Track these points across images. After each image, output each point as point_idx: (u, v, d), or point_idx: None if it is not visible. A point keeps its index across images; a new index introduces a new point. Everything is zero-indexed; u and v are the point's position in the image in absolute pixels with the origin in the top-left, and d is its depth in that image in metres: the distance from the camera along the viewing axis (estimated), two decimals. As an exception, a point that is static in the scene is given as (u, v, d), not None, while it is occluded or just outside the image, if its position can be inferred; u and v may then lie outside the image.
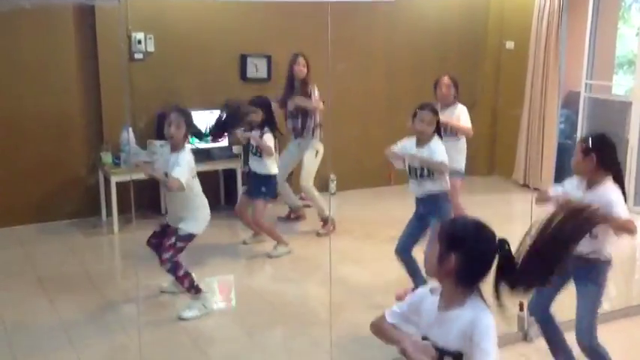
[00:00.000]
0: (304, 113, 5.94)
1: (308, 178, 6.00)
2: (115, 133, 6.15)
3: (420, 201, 4.45)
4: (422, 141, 4.38)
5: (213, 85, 6.41)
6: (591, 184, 3.33)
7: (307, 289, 4.96)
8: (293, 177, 6.39)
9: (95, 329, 4.21)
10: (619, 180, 3.35)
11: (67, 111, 6.15)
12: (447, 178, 4.44)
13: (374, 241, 5.59)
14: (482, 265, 2.11)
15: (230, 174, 6.62)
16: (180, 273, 4.33)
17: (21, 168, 6.03)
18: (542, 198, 3.53)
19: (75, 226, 6.16)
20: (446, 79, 5.54)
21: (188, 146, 4.37)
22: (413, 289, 4.54)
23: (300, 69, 5.88)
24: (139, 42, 6.25)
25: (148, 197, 6.38)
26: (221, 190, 6.83)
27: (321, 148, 6.03)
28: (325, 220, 6.09)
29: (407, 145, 4.47)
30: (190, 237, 4.36)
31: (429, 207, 4.39)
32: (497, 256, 2.10)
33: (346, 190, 6.64)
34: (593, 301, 3.38)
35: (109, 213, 6.08)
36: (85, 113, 6.26)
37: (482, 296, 2.14)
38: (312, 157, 6.01)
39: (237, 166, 6.47)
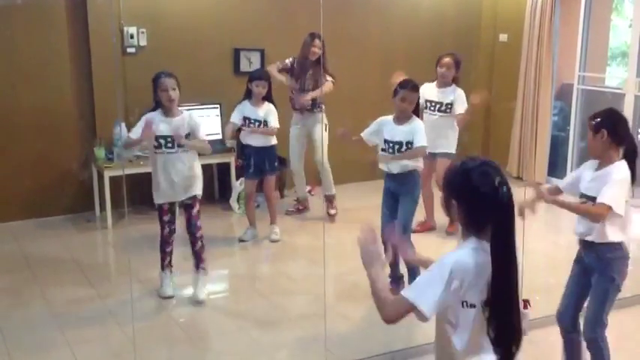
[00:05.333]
0: (313, 89, 6.01)
1: (322, 152, 6.12)
2: (107, 127, 6.13)
3: (393, 177, 4.44)
4: (401, 119, 4.41)
5: (207, 79, 6.38)
6: (602, 163, 3.25)
7: (302, 282, 4.96)
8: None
9: (89, 324, 4.20)
10: (633, 151, 3.26)
11: (59, 106, 6.12)
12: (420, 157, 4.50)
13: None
14: (481, 210, 2.07)
15: (224, 168, 6.61)
16: (203, 241, 4.54)
17: (14, 163, 6.00)
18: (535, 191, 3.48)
19: (69, 221, 6.15)
20: (447, 59, 5.56)
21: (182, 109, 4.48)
22: (390, 283, 4.55)
23: (314, 50, 5.88)
24: (132, 36, 6.23)
25: (140, 192, 6.33)
26: (215, 185, 6.82)
27: (326, 121, 6.13)
28: (330, 200, 6.28)
29: (385, 122, 4.46)
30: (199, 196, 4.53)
31: (401, 184, 4.41)
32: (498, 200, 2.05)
33: (340, 183, 6.62)
34: (599, 293, 3.32)
35: (103, 208, 6.06)
36: (77, 108, 6.23)
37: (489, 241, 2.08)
38: (322, 131, 6.11)
39: (230, 159, 6.45)
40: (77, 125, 6.25)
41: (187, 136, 4.39)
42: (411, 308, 2.05)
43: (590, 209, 3.18)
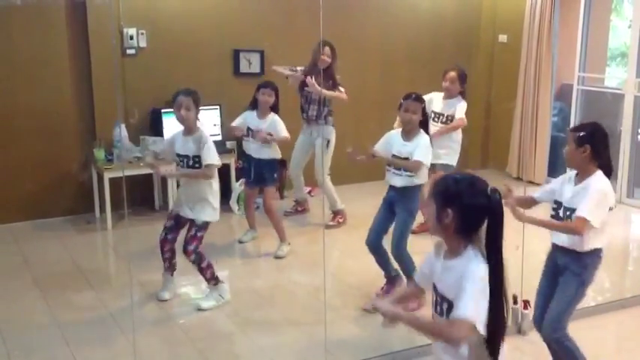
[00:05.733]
0: (319, 101, 5.89)
1: (322, 171, 5.96)
2: (107, 129, 6.13)
3: (395, 191, 4.41)
4: (408, 132, 4.35)
5: (206, 80, 6.38)
6: (581, 176, 3.28)
7: (303, 283, 4.95)
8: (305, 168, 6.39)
9: (89, 326, 4.20)
10: (608, 167, 3.30)
11: (59, 107, 6.12)
12: (426, 172, 4.41)
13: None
14: (477, 216, 2.22)
15: (223, 169, 6.58)
16: (204, 264, 4.40)
17: (14, 165, 6.00)
18: (507, 196, 3.44)
19: (69, 223, 6.14)
20: (452, 73, 5.56)
21: (203, 128, 4.39)
22: (385, 283, 4.56)
23: (324, 59, 5.76)
24: (131, 37, 6.23)
25: (141, 193, 6.37)
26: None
27: (333, 136, 6.00)
28: (336, 213, 6.16)
29: (393, 137, 4.43)
30: (208, 224, 4.41)
31: (400, 196, 4.37)
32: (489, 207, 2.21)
33: (340, 184, 6.63)
34: (568, 294, 3.31)
35: (103, 209, 6.06)
36: (77, 109, 6.23)
37: (481, 246, 2.24)
38: (324, 148, 5.96)
39: (230, 161, 6.45)
40: (77, 126, 6.25)
41: (198, 158, 4.30)
42: (472, 327, 2.13)
43: (569, 225, 3.20)
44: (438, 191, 2.27)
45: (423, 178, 4.37)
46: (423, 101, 4.39)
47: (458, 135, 5.65)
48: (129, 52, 6.27)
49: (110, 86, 5.97)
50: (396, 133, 4.45)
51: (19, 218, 6.08)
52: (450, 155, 5.59)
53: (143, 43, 6.31)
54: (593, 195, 3.17)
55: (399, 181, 4.35)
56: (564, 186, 3.34)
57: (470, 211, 2.21)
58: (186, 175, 4.39)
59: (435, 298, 2.34)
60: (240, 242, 5.69)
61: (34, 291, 4.69)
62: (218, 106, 6.43)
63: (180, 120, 4.31)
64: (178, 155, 4.38)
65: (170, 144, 4.48)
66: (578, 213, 3.15)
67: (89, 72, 6.17)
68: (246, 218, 5.78)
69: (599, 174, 3.24)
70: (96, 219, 6.26)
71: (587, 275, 3.31)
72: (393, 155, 4.36)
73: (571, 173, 3.36)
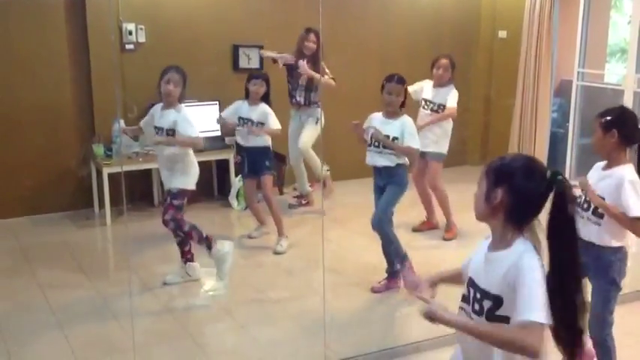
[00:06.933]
0: (309, 87, 5.99)
1: (307, 141, 6.07)
2: (106, 124, 6.12)
3: (380, 172, 4.46)
4: (390, 113, 4.41)
5: (205, 75, 6.37)
6: (611, 164, 3.16)
7: (301, 278, 4.95)
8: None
9: (88, 321, 4.19)
10: None
11: (58, 103, 6.12)
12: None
13: (367, 230, 5.61)
14: (531, 201, 1.99)
15: (223, 164, 6.60)
16: (186, 228, 4.44)
17: (13, 160, 6.00)
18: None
19: (68, 218, 6.14)
20: (443, 61, 5.57)
21: (182, 104, 4.49)
22: (387, 277, 4.56)
23: (310, 45, 5.87)
24: (130, 33, 6.22)
25: (139, 189, 6.37)
26: (214, 181, 6.81)
27: (322, 116, 6.01)
28: (317, 181, 6.30)
29: (374, 118, 4.49)
30: (184, 193, 4.45)
31: (389, 177, 4.43)
32: (550, 195, 1.97)
33: (339, 180, 6.63)
34: (603, 296, 3.26)
35: (102, 205, 6.05)
36: (76, 105, 6.23)
37: (533, 239, 2.02)
38: (312, 124, 6.09)
39: (229, 156, 6.44)
40: (76, 122, 6.25)
41: (172, 131, 4.39)
42: (543, 328, 1.89)
43: (624, 218, 3.07)
44: (491, 168, 2.05)
45: (404, 158, 4.43)
46: (405, 82, 4.46)
47: (448, 123, 5.61)
48: (128, 47, 6.26)
49: (109, 81, 5.95)
50: (377, 113, 4.49)
51: (18, 214, 6.08)
52: (439, 143, 5.56)
53: (142, 39, 6.30)
54: (632, 191, 3.05)
55: (380, 159, 4.40)
56: (591, 174, 3.27)
57: (522, 194, 1.97)
58: (181, 143, 4.40)
59: (472, 295, 2.07)
60: (250, 237, 5.66)
61: (34, 287, 4.68)
62: (217, 102, 6.41)
63: (166, 93, 4.39)
64: (155, 127, 4.48)
65: (151, 116, 4.59)
66: (630, 214, 3.04)
67: (88, 67, 6.16)
68: (253, 215, 5.73)
69: (630, 167, 3.12)
70: (95, 214, 6.26)
71: (615, 272, 3.24)
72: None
73: (601, 163, 3.26)
